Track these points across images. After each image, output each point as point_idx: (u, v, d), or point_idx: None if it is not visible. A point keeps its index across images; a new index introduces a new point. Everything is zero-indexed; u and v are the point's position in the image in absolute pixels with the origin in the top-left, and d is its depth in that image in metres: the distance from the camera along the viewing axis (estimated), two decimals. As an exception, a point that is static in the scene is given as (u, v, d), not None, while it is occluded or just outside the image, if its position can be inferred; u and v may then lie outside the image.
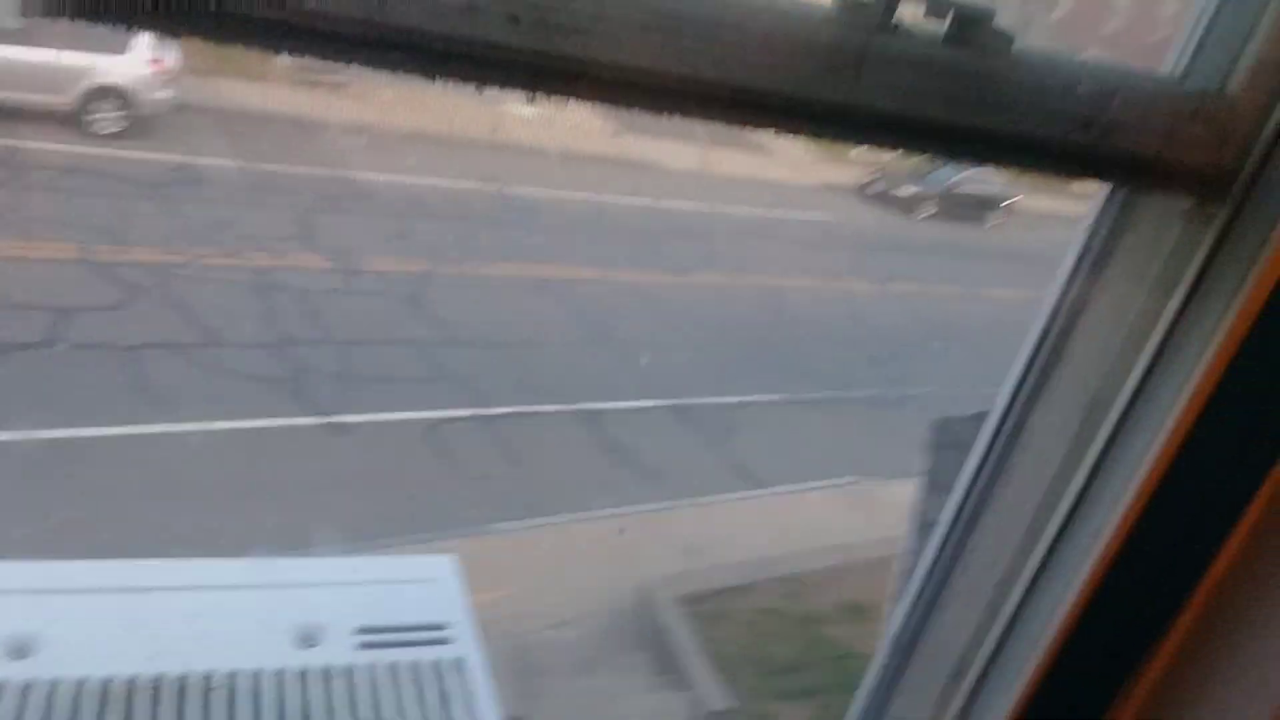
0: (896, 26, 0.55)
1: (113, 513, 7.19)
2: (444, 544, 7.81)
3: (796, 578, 8.48)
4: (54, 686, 1.32)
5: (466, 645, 1.64)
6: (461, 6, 0.46)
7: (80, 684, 1.33)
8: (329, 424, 8.92)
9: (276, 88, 17.57)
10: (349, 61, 0.51)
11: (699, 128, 22.96)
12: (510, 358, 11.01)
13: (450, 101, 19.61)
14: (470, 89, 0.53)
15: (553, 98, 0.54)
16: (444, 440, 9.17)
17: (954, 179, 22.61)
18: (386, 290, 11.75)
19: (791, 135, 0.61)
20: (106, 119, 13.53)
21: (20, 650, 1.37)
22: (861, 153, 26.29)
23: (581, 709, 7.06)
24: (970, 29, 0.57)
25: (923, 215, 22.96)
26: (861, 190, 23.71)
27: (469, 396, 9.96)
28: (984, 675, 1.14)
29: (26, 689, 1.32)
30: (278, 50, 0.52)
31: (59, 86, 13.12)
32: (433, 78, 0.52)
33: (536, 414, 10.09)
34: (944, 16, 0.57)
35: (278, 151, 15.02)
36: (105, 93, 13.45)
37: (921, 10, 0.58)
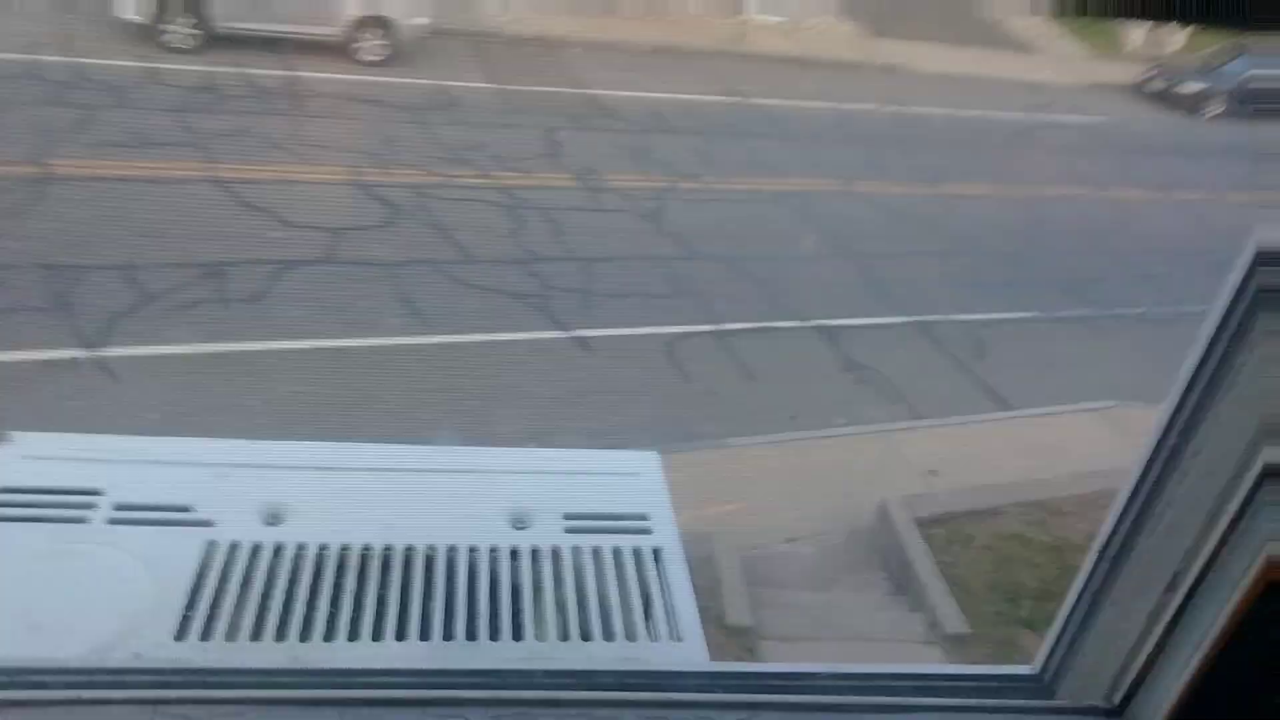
0: None
1: (376, 415, 7.82)
2: (679, 457, 7.96)
3: (1046, 504, 8.01)
4: (301, 550, 1.48)
5: (666, 536, 1.69)
6: None
7: (322, 549, 1.49)
8: (573, 338, 9.24)
9: (522, 8, 18.04)
10: None
11: (956, 28, 21.56)
12: (748, 273, 10.93)
13: (694, 13, 19.43)
14: None
15: None
16: (682, 355, 9.29)
17: (1246, 73, 20.07)
18: (628, 207, 11.93)
19: None
20: (371, 47, 14.41)
21: (274, 518, 1.54)
22: (1140, 46, 23.83)
23: (813, 621, 7.07)
24: None
25: (1209, 114, 20.59)
26: (1138, 88, 21.56)
27: (708, 312, 10.01)
28: (1198, 584, 1.08)
29: (278, 550, 1.48)
30: None
31: (328, 18, 14.07)
32: None
33: (774, 329, 10.01)
34: None
35: (526, 72, 15.48)
36: (368, 22, 14.30)
37: None
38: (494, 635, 1.44)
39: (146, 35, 13.30)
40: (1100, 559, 1.19)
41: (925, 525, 7.66)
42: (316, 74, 13.64)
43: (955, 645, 6.50)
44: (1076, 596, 1.21)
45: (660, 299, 10.13)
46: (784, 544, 7.58)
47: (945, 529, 7.80)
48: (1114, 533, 1.18)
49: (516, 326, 9.25)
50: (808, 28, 20.68)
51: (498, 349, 8.96)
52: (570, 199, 11.80)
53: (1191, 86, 20.73)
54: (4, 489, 1.54)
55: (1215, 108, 20.63)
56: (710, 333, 9.71)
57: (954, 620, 6.65)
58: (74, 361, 7.79)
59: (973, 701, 1.20)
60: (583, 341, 9.23)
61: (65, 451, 1.67)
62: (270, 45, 13.86)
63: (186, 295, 8.72)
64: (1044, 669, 1.23)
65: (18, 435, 1.68)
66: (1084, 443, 9.05)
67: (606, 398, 8.58)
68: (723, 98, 16.14)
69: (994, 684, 1.24)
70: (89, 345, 7.94)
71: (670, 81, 16.28)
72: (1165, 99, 21.04)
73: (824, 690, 1.18)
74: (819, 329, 10.14)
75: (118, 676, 1.12)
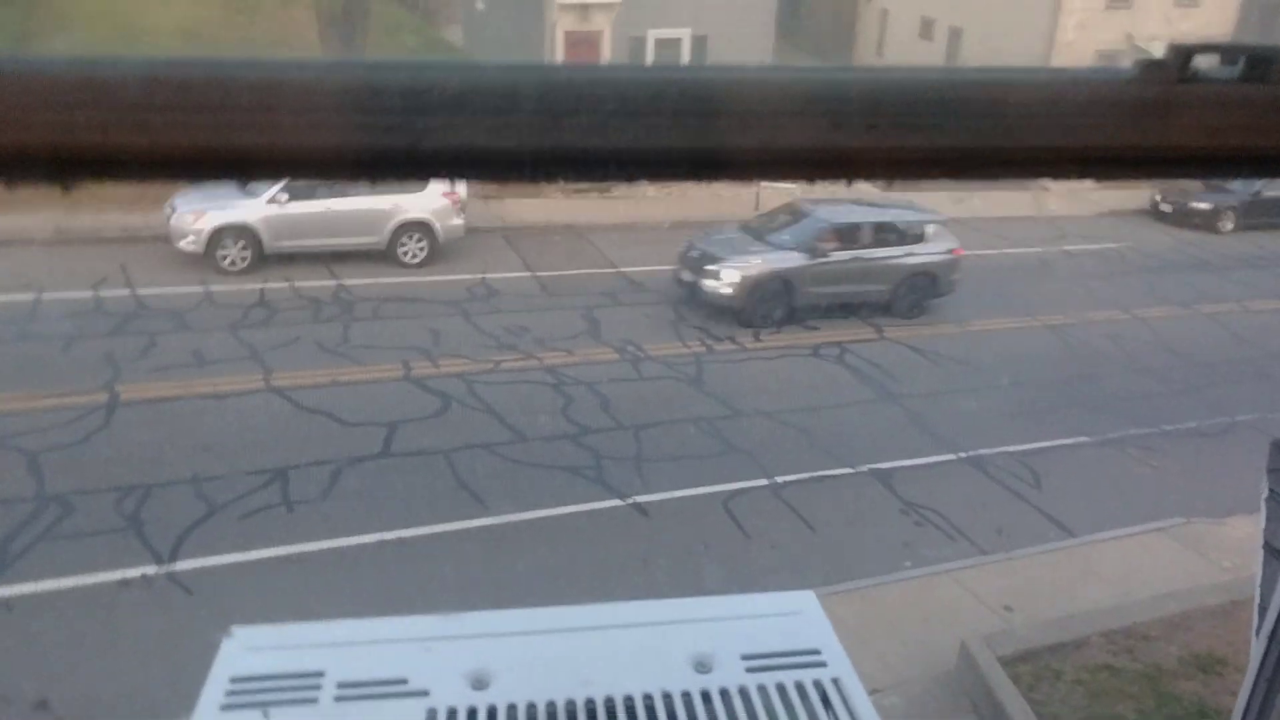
0: (1195, 75, 0.64)
1: (447, 601, 7.87)
2: (750, 614, 7.89)
3: (1130, 630, 7.82)
4: (512, 711, 1.60)
5: (842, 667, 1.76)
6: (830, 125, 0.59)
7: (531, 708, 1.60)
8: (632, 504, 9.34)
9: (550, 201, 18.99)
10: (752, 180, 0.65)
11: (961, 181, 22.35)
12: (794, 424, 11.08)
13: (710, 189, 20.31)
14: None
15: (905, 182, 0.65)
16: (739, 511, 9.34)
17: (1256, 185, 20.52)
18: (669, 373, 12.23)
19: (1109, 180, 0.71)
20: (412, 250, 15.21)
21: (481, 682, 1.67)
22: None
23: (910, 777, 6.83)
24: (1264, 66, 0.65)
25: (1223, 229, 20.95)
26: (1150, 211, 22.05)
27: (759, 467, 10.11)
28: None
29: (492, 714, 1.61)
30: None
31: (373, 228, 14.93)
32: (812, 181, 0.65)
33: (827, 477, 10.06)
34: (1236, 62, 0.66)
35: (559, 258, 16.18)
36: (410, 227, 15.15)
37: (1216, 60, 0.67)
38: None
39: (203, 262, 14.15)
40: (1255, 684, 1.21)
41: (1009, 663, 7.48)
42: (362, 280, 14.36)
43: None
44: None
45: (711, 458, 10.27)
46: (870, 696, 7.41)
47: (1031, 666, 7.61)
48: (1266, 653, 1.19)
49: (573, 499, 9.38)
50: (819, 190, 21.50)
51: (556, 523, 9.06)
52: (614, 371, 12.13)
53: (1202, 204, 21.16)
54: (236, 679, 1.68)
55: (1228, 222, 21.00)
56: (764, 487, 9.79)
57: (1055, 758, 6.42)
58: (147, 578, 7.98)
59: None
60: (641, 507, 9.33)
61: (285, 640, 1.81)
62: (317, 259, 14.67)
63: (251, 502, 8.97)
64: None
65: (239, 630, 1.82)
66: (1157, 563, 8.89)
67: (669, 561, 8.60)
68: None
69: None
70: (161, 561, 8.15)
71: (695, 252, 16.89)
72: (1178, 218, 21.45)
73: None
74: (872, 472, 10.18)
75: None
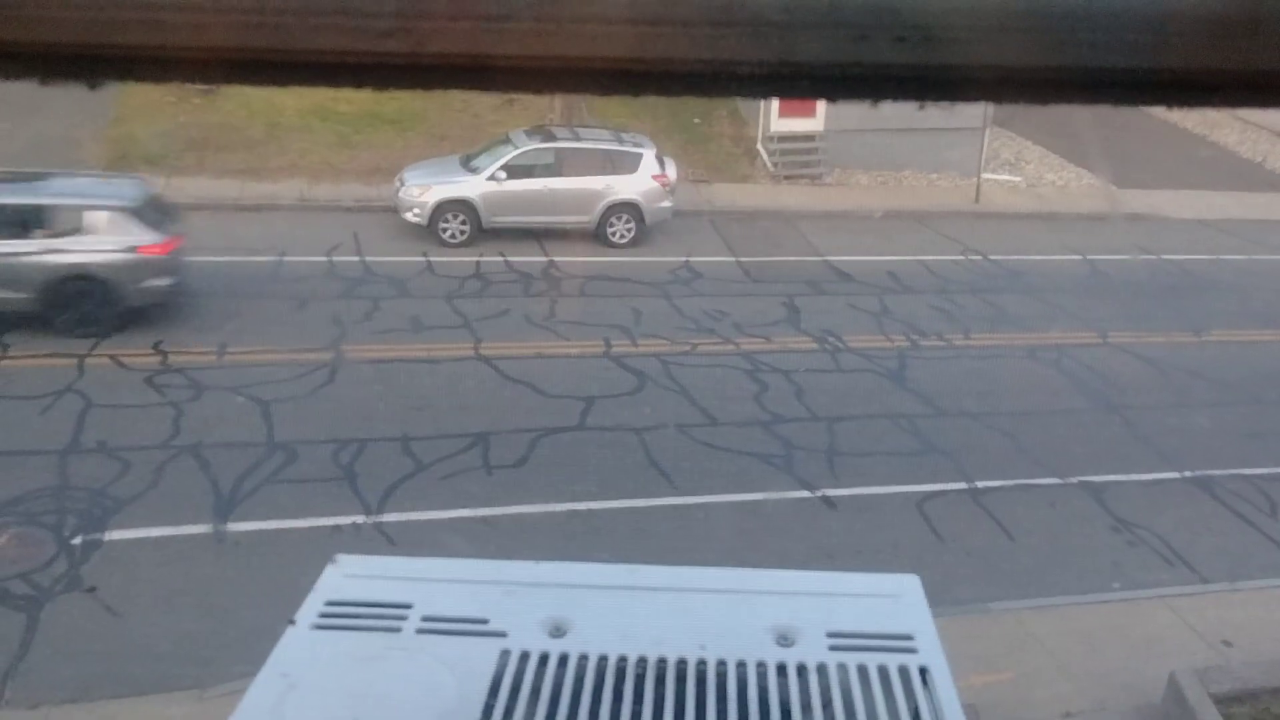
0: None
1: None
2: (936, 622, 7.59)
3: (1370, 681, 7.01)
4: (583, 660, 1.61)
5: (932, 655, 1.67)
6: (856, 36, 0.53)
7: (602, 660, 1.61)
8: (820, 498, 9.18)
9: (760, 186, 18.87)
10: (756, 96, 0.60)
11: (1205, 172, 20.48)
12: (1001, 428, 10.55)
13: (924, 179, 19.61)
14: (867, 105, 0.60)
15: (940, 103, 0.58)
16: (933, 514, 9.00)
17: None
18: (869, 366, 11.92)
19: (1186, 107, 0.61)
20: (621, 230, 15.49)
21: (558, 630, 1.70)
22: None
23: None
24: None
25: None
26: None
27: (959, 470, 9.70)
28: None
29: (563, 660, 1.61)
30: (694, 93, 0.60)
31: (584, 208, 15.32)
32: (832, 99, 0.59)
33: (1033, 486, 9.53)
34: None
35: (764, 244, 16.05)
36: (620, 208, 15.44)
37: None
38: None
39: (426, 234, 14.94)
40: None
41: (1224, 703, 6.86)
42: (571, 258, 14.76)
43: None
44: None
45: (907, 457, 9.94)
46: (1061, 719, 6.99)
47: (1248, 708, 6.96)
48: None
49: (762, 486, 9.31)
50: (1045, 183, 20.35)
51: (743, 509, 9.03)
52: (811, 361, 11.94)
53: None
54: (331, 602, 1.78)
55: None
56: (963, 491, 9.38)
57: (1269, 812, 5.85)
58: (356, 526, 8.53)
59: None
60: (829, 501, 9.15)
61: (381, 571, 1.90)
62: (530, 235, 15.19)
63: (455, 463, 9.41)
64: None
65: (342, 558, 1.93)
66: None
67: (855, 558, 8.39)
68: (960, 257, 16.02)
69: None
70: (369, 512, 8.68)
71: (905, 244, 16.38)
72: None
73: None
74: (1083, 485, 9.56)
75: None
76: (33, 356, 10.86)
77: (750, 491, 9.25)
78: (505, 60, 0.50)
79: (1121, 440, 10.54)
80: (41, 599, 7.45)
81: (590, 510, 8.85)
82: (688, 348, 12.10)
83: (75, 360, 10.79)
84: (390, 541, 8.31)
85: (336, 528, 8.46)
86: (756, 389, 11.16)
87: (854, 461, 9.80)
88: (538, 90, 0.54)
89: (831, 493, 9.25)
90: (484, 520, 8.66)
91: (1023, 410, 11.03)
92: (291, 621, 1.75)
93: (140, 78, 0.50)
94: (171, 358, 11.07)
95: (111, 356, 10.97)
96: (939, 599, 7.45)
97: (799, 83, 0.54)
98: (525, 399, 10.69)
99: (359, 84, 0.51)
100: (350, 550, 7.02)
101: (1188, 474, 9.87)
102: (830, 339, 12.56)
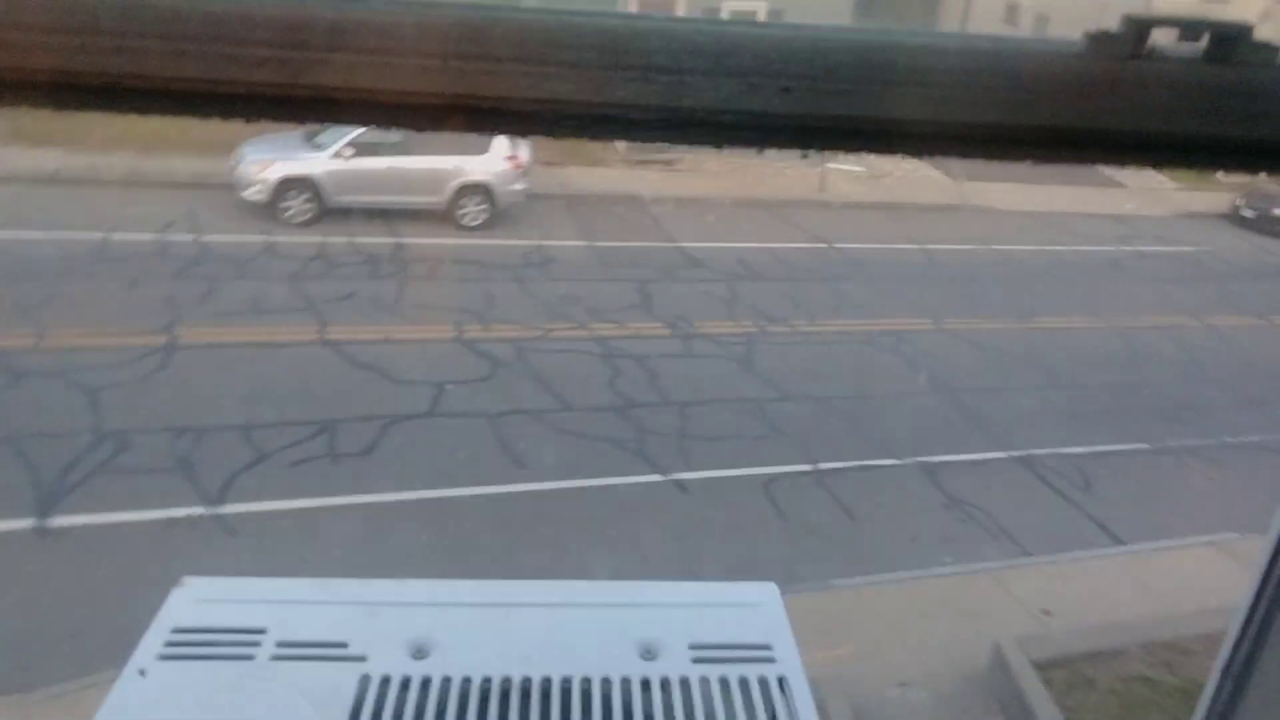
0: (1151, 51, 0.57)
1: (478, 565, 7.95)
2: (783, 599, 7.84)
3: (1171, 644, 7.62)
4: (446, 683, 1.59)
5: (791, 665, 1.72)
6: (743, 86, 0.54)
7: (466, 682, 1.59)
8: (672, 481, 9.32)
9: (614, 171, 18.95)
10: (653, 140, 0.61)
11: (1040, 169, 21.86)
12: (843, 412, 10.96)
13: (773, 167, 20.10)
14: (752, 152, 0.61)
15: (823, 152, 0.60)
16: (779, 495, 9.27)
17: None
18: (719, 352, 12.16)
19: (1050, 164, 0.64)
20: (472, 212, 15.26)
21: (420, 652, 1.66)
22: (1232, 177, 23.67)
23: (931, 774, 6.76)
24: (1229, 46, 0.58)
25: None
26: (1231, 215, 21.35)
27: (803, 452, 10.02)
28: None
29: (425, 684, 1.60)
30: (593, 138, 0.60)
31: (434, 188, 15.01)
32: (720, 146, 0.60)
33: (873, 467, 9.94)
34: (1199, 39, 0.59)
35: (617, 229, 16.13)
36: (472, 190, 15.21)
37: (1175, 35, 0.60)
38: None
39: (266, 213, 14.35)
40: (1224, 678, 1.19)
41: (1043, 668, 7.34)
42: (421, 239, 14.46)
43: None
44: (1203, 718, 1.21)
45: (755, 440, 10.20)
46: (896, 689, 7.34)
47: (1065, 672, 7.46)
48: (1236, 648, 1.17)
49: (615, 471, 9.39)
50: (890, 174, 21.17)
51: (596, 494, 9.08)
52: (663, 347, 12.09)
53: (1287, 210, 20.45)
54: (178, 629, 1.70)
55: (1312, 231, 20.26)
56: (807, 472, 9.70)
57: (1082, 769, 6.30)
58: (193, 519, 8.16)
59: None
60: (680, 484, 9.31)
61: (232, 594, 1.83)
62: (378, 215, 14.79)
63: (299, 452, 9.11)
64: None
65: (189, 580, 1.84)
66: (1204, 577, 8.66)
67: (705, 540, 8.57)
68: (807, 244, 16.51)
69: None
70: (209, 503, 8.32)
71: (754, 232, 16.76)
72: (1261, 224, 20.75)
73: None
74: (919, 465, 10.04)
75: None
76: None
77: (604, 476, 9.31)
78: (390, 95, 0.49)
79: (954, 422, 11.11)
80: None
81: (442, 498, 8.73)
82: (540, 333, 12.06)
83: None
84: (231, 533, 7.99)
85: (172, 520, 8.07)
86: (610, 374, 11.22)
87: (704, 445, 9.99)
88: (415, 127, 0.53)
89: (682, 476, 9.41)
90: (330, 510, 8.42)
91: (863, 394, 11.48)
92: (140, 671, 1.66)
93: (108, 107, 0.46)
94: (-17, 342, 10.30)
95: (-87, 340, 10.13)
96: (786, 577, 7.69)
97: (689, 129, 0.55)
98: (373, 385, 10.43)
99: (226, 115, 0.49)
100: (188, 543, 6.74)
101: (1014, 453, 10.49)
102: (682, 324, 12.75)
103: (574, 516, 8.69)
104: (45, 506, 8.01)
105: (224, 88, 0.47)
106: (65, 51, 0.45)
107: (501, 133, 0.54)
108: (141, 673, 1.62)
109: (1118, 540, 9.25)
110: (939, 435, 10.72)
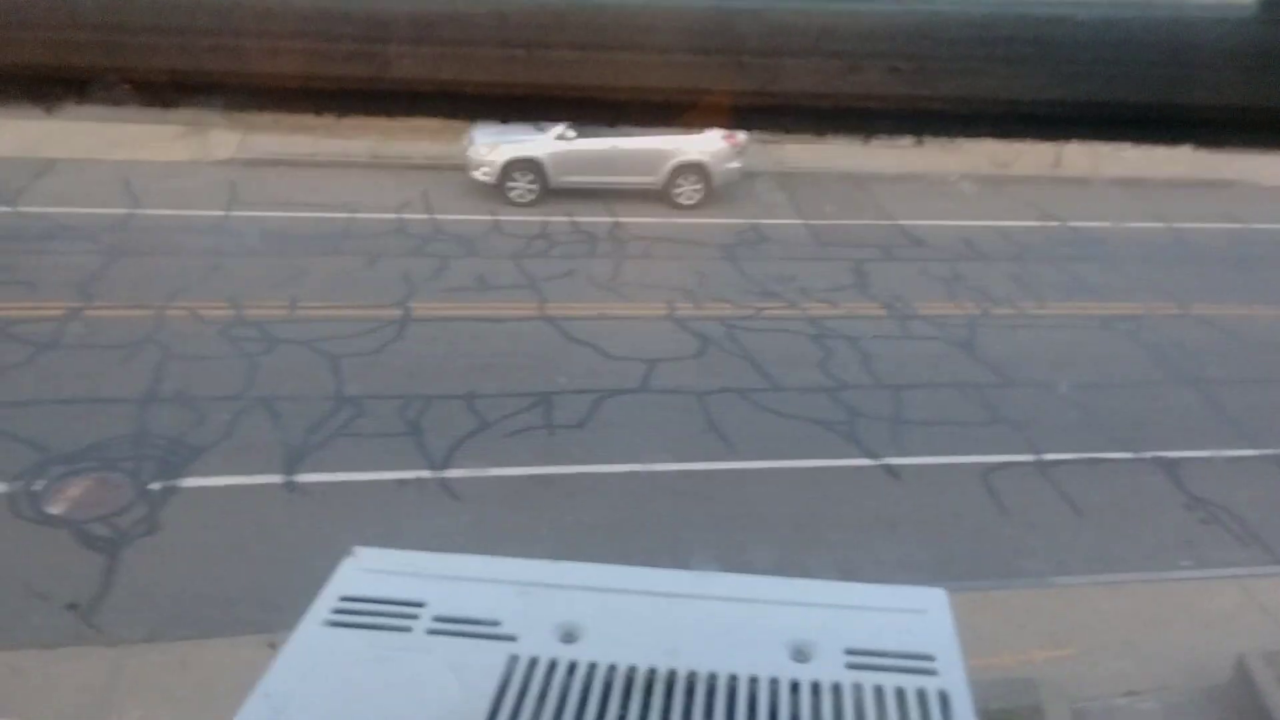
0: None
1: (685, 538, 8.04)
2: (998, 594, 7.51)
3: None
4: (592, 669, 1.61)
5: (954, 679, 1.61)
6: (845, 68, 0.51)
7: (612, 669, 1.60)
8: (883, 466, 9.09)
9: (833, 148, 18.52)
10: (749, 129, 0.57)
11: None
12: (1072, 401, 10.31)
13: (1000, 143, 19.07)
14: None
15: (937, 139, 0.55)
16: (999, 486, 8.85)
17: None
18: (939, 334, 11.71)
19: (1218, 150, 0.56)
20: (687, 191, 15.38)
21: (570, 635, 1.69)
22: None
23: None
24: None
25: None
26: None
27: (1027, 441, 9.51)
28: None
29: (572, 668, 1.61)
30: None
31: (651, 168, 15.23)
32: (822, 134, 0.56)
33: (1104, 460, 9.31)
34: None
35: (833, 207, 15.81)
36: (687, 169, 15.32)
37: None
38: None
39: (494, 193, 15.01)
40: None
41: (1296, 686, 6.68)
42: (638, 219, 14.71)
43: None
44: None
45: (974, 427, 9.77)
46: (1122, 697, 6.88)
47: (1323, 693, 6.76)
48: None
49: (823, 453, 9.24)
50: (1132, 148, 19.62)
51: (804, 475, 8.98)
52: (878, 327, 11.77)
53: None
54: (345, 597, 1.80)
55: None
56: (1030, 463, 9.20)
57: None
58: (421, 481, 8.68)
59: None
60: (892, 470, 9.05)
61: (398, 566, 1.92)
62: (598, 195, 15.17)
63: (518, 421, 9.50)
64: None
65: (360, 550, 1.95)
66: None
67: (918, 529, 8.31)
68: (1038, 222, 15.61)
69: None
70: (435, 467, 8.83)
71: (980, 209, 16.00)
72: None
73: None
74: (1156, 460, 9.32)
75: None
76: (114, 308, 11.20)
77: (812, 458, 9.18)
78: (473, 86, 0.48)
79: (1199, 416, 10.22)
80: (120, 542, 7.75)
81: (650, 472, 8.88)
82: (752, 311, 12.01)
83: (154, 311, 11.10)
84: (455, 497, 8.45)
85: (401, 482, 8.62)
86: (821, 354, 11.04)
87: (919, 430, 9.66)
88: (506, 119, 0.52)
89: (895, 461, 9.15)
90: (545, 479, 8.75)
91: (1096, 383, 10.76)
92: (309, 635, 1.78)
93: (98, 100, 0.49)
94: (245, 312, 11.33)
95: (188, 309, 11.26)
96: (1004, 572, 7.34)
97: (784, 115, 0.51)
98: (588, 360, 10.73)
99: (319, 111, 0.50)
100: (414, 504, 7.13)
101: (1269, 451, 9.55)
102: (899, 305, 12.36)
103: (778, 496, 8.63)
104: (292, 464, 8.74)
105: (315, 83, 0.48)
106: (163, 51, 0.47)
107: (590, 123, 0.52)
108: (309, 637, 1.72)
109: (1394, 554, 8.25)
110: (1181, 429, 9.90)
